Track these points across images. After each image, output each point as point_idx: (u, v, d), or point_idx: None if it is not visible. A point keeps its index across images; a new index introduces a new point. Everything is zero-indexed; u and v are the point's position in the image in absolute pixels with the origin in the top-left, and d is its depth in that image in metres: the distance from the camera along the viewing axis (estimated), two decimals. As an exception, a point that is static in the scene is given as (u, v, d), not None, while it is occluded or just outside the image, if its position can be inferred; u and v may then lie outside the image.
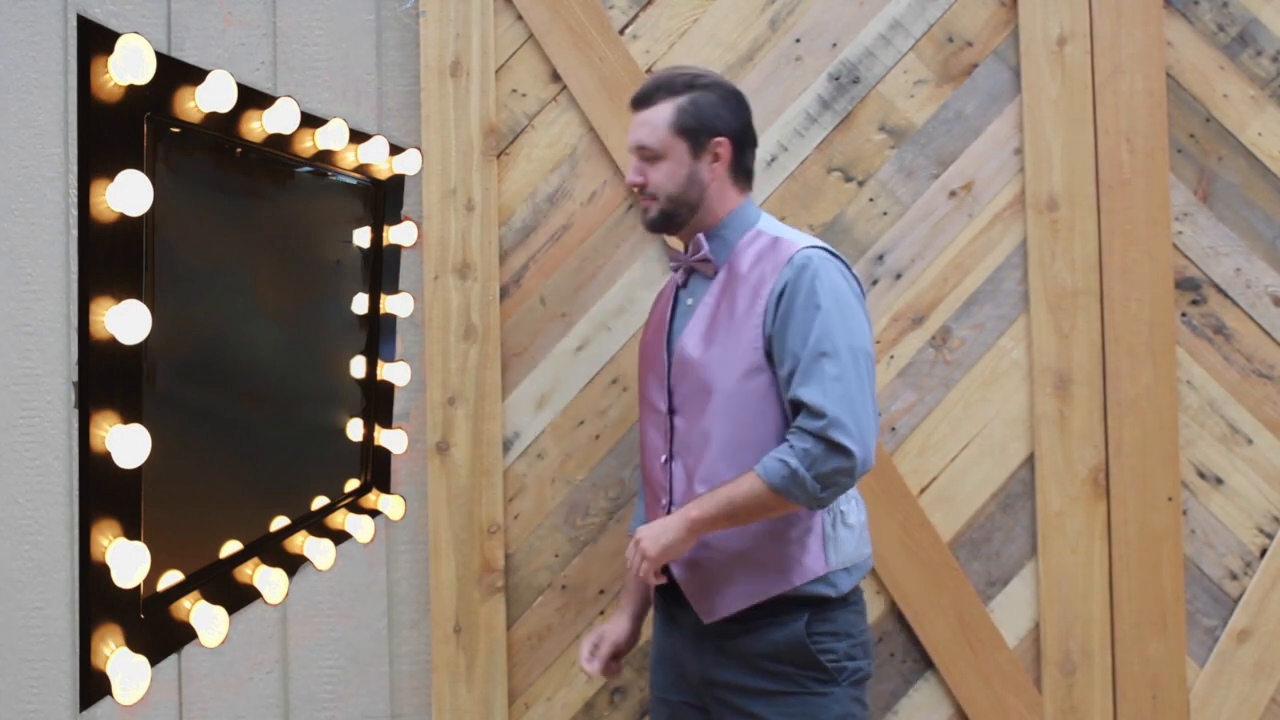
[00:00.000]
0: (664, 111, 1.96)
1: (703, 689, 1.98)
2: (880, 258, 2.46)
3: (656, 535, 1.87)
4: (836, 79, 2.48)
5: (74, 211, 2.53)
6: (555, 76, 2.49)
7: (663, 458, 1.99)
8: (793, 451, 1.79)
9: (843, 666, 1.89)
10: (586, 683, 2.46)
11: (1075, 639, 2.40)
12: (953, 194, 2.47)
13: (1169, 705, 2.39)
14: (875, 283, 2.46)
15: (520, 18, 2.49)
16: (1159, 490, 2.40)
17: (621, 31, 2.49)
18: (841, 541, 1.93)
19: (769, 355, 1.88)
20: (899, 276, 2.46)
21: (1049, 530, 2.41)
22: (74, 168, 2.52)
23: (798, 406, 1.82)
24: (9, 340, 2.52)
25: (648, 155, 1.98)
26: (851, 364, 1.81)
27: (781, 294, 1.86)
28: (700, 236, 1.98)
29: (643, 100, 1.99)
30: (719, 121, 1.97)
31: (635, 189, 2.01)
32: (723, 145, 1.97)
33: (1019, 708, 2.39)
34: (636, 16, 2.50)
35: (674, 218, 1.99)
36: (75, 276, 2.51)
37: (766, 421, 1.88)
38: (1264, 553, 2.42)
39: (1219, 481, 2.43)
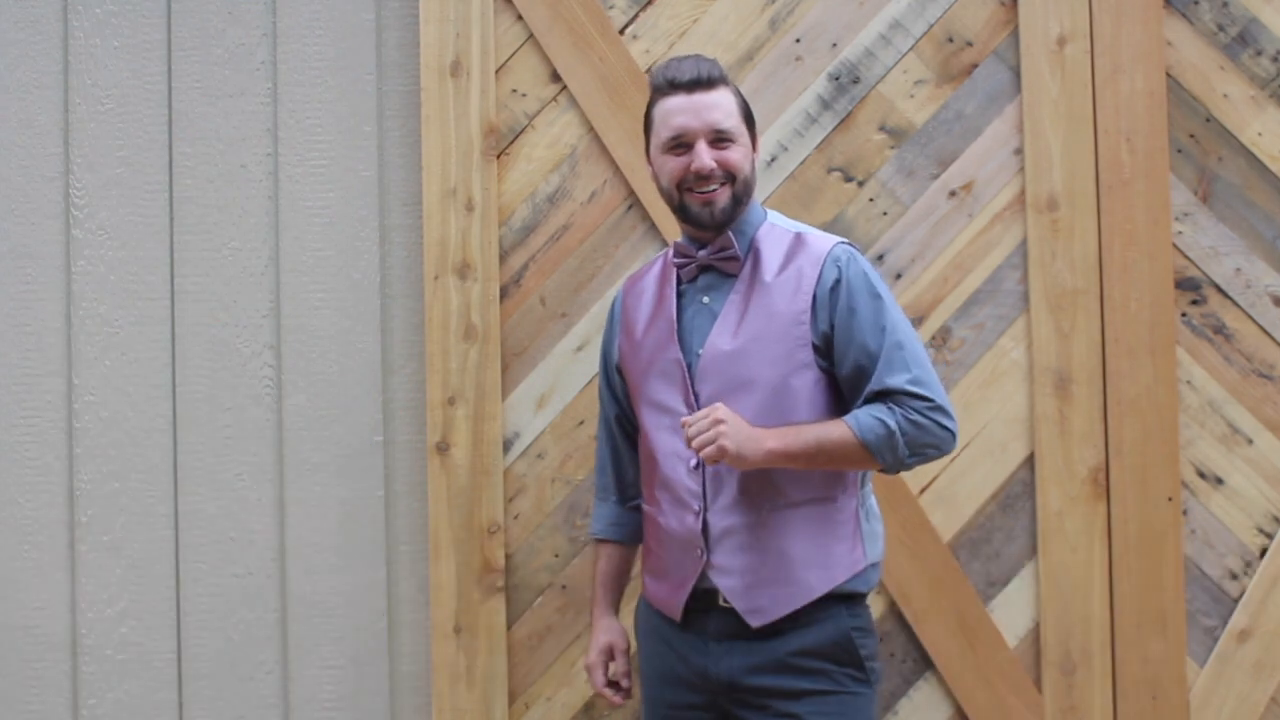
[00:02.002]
0: (729, 96, 1.87)
1: (729, 695, 1.86)
2: (880, 258, 2.38)
3: (741, 439, 1.74)
4: (836, 79, 2.40)
5: (74, 212, 2.45)
6: (555, 76, 2.42)
7: (693, 462, 1.86)
8: (893, 415, 1.77)
9: (872, 667, 1.85)
10: (586, 682, 2.37)
11: (1075, 639, 2.32)
12: (953, 194, 2.39)
13: (1169, 705, 2.31)
14: (875, 283, 2.37)
15: (520, 18, 2.42)
16: (1159, 490, 2.32)
17: (621, 31, 2.42)
18: (875, 536, 1.90)
19: (817, 350, 1.82)
20: (899, 276, 2.38)
21: (1049, 530, 2.33)
22: (74, 168, 2.45)
23: (886, 395, 1.79)
24: (9, 340, 2.45)
25: (724, 138, 1.85)
26: (918, 351, 1.83)
27: (834, 287, 1.82)
28: (730, 234, 1.88)
29: (705, 83, 1.85)
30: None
31: (706, 173, 1.84)
32: (756, 139, 1.92)
33: (1019, 708, 2.32)
34: (636, 16, 2.42)
35: (740, 206, 1.88)
36: (75, 276, 2.44)
37: (814, 417, 1.83)
38: (1264, 553, 2.35)
39: (1219, 481, 2.35)
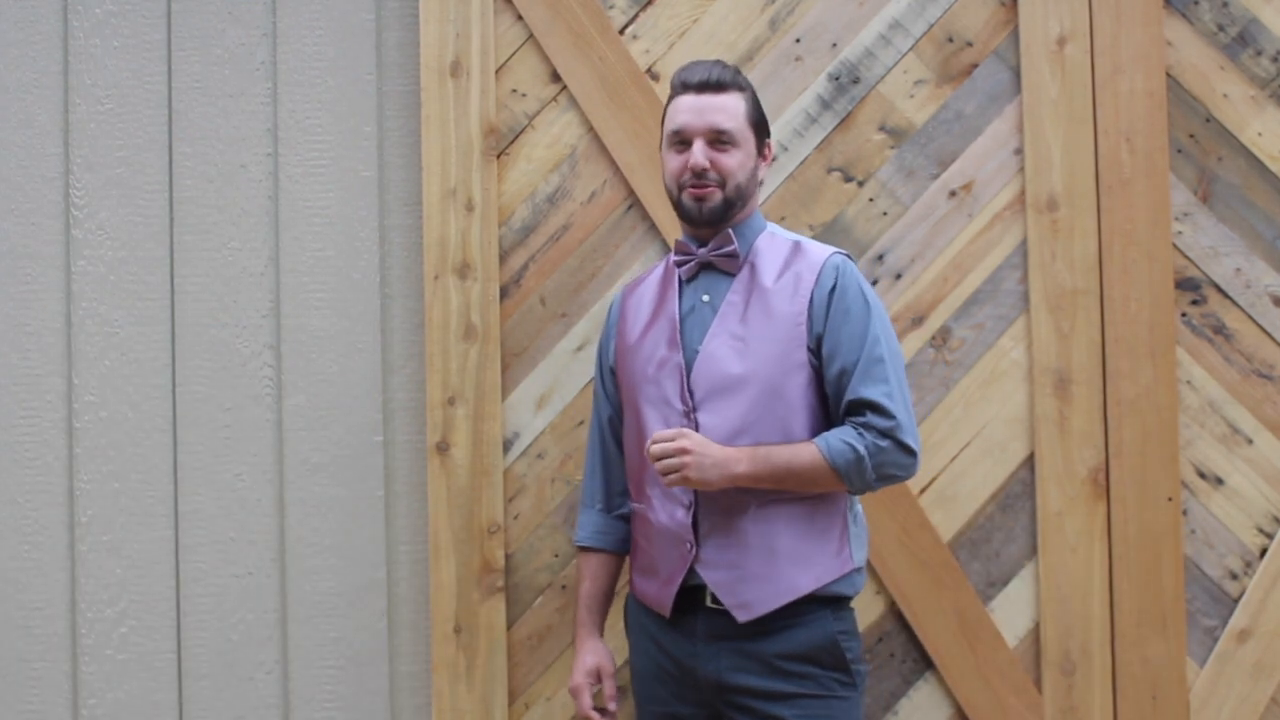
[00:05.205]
0: (738, 101, 1.88)
1: (716, 696, 1.85)
2: (880, 258, 2.33)
3: (706, 466, 1.76)
4: (836, 79, 2.35)
5: (74, 212, 2.40)
6: (555, 76, 2.37)
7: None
8: (861, 440, 1.78)
9: (858, 670, 1.85)
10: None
11: (1075, 639, 2.27)
12: (953, 194, 2.34)
13: (1169, 705, 2.26)
14: (875, 283, 2.33)
15: (520, 18, 2.37)
16: (1159, 490, 2.27)
17: (621, 31, 2.37)
18: (861, 539, 1.90)
19: (811, 352, 1.83)
20: (899, 276, 2.33)
21: (1049, 530, 2.28)
22: (74, 168, 2.40)
23: (860, 406, 1.80)
24: (9, 340, 2.41)
25: (723, 140, 1.85)
26: (899, 370, 1.84)
27: (831, 291, 1.84)
28: (730, 231, 1.89)
29: (714, 86, 1.86)
30: (768, 123, 1.95)
31: (699, 170, 1.84)
32: (769, 147, 1.93)
33: (1019, 708, 2.27)
34: (636, 16, 2.37)
35: (732, 209, 1.88)
36: (75, 276, 2.39)
37: (806, 417, 1.83)
38: (1264, 553, 2.30)
39: (1219, 481, 2.30)
